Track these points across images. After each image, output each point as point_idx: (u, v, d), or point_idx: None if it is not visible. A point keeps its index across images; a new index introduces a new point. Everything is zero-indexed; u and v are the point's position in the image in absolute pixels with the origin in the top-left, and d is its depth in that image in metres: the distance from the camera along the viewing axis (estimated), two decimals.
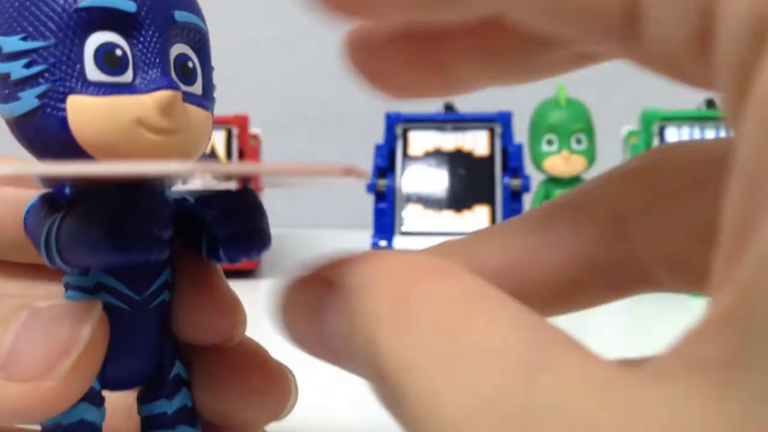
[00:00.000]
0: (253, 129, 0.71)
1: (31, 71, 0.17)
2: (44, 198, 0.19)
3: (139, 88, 0.17)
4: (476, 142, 0.67)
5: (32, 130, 0.17)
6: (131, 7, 0.17)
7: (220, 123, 0.68)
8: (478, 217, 0.64)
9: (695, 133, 0.63)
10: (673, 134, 0.63)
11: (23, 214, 0.19)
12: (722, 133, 0.62)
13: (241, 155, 0.67)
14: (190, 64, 0.19)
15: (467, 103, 0.81)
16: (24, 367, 0.17)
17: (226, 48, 0.99)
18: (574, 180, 0.62)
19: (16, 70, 0.17)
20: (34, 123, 0.17)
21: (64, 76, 0.17)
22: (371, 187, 0.65)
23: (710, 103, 0.64)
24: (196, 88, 0.19)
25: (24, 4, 0.17)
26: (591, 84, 0.96)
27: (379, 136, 0.68)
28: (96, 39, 0.17)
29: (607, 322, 0.54)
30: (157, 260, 0.18)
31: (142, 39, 0.18)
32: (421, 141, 0.68)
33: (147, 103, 0.17)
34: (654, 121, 0.63)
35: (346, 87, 0.77)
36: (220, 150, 0.67)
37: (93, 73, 0.17)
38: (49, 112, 0.17)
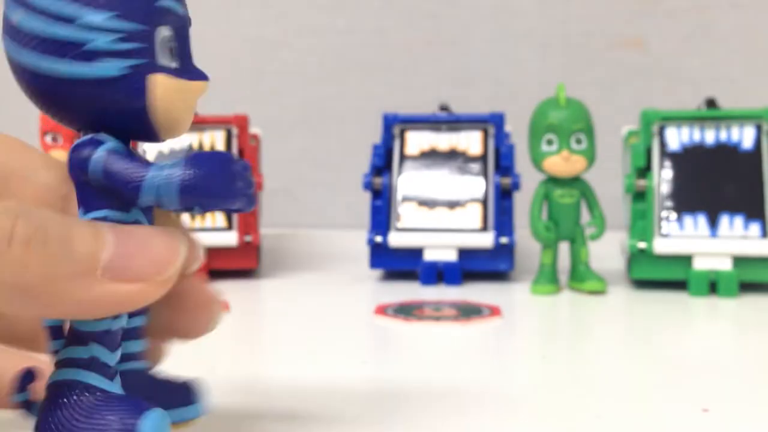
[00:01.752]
0: (253, 129, 0.71)
1: (124, 46, 0.22)
2: (120, 148, 0.23)
3: (190, 75, 0.23)
4: (470, 142, 0.68)
5: (106, 92, 0.22)
6: (185, 12, 0.24)
7: (220, 123, 0.68)
8: (470, 214, 0.65)
9: (695, 134, 0.63)
10: (673, 134, 0.63)
11: (90, 165, 0.22)
12: (722, 133, 0.62)
13: (241, 155, 0.68)
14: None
15: (465, 104, 0.81)
16: (129, 272, 0.21)
17: (226, 48, 1.00)
18: (574, 180, 0.62)
19: (105, 41, 0.21)
20: (111, 87, 0.22)
21: (149, 56, 0.22)
22: (368, 185, 0.66)
23: (710, 103, 0.64)
24: None
25: None
26: (591, 84, 0.97)
27: (376, 136, 0.69)
28: (162, 32, 0.22)
29: (607, 322, 0.54)
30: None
31: (178, 36, 0.23)
32: (417, 141, 0.68)
33: (204, 87, 0.23)
34: (654, 121, 0.63)
35: (345, 88, 0.77)
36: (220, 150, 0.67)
37: (164, 58, 0.22)
38: (132, 82, 0.22)
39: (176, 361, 0.45)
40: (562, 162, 0.60)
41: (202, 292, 0.27)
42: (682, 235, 0.60)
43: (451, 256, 0.64)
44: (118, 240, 0.21)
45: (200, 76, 0.23)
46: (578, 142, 0.60)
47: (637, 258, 0.61)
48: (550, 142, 0.61)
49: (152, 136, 0.23)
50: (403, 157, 0.68)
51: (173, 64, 0.23)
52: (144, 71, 0.22)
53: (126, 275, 0.21)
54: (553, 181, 0.62)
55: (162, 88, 0.22)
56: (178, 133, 0.23)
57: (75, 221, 0.21)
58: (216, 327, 0.27)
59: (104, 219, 0.23)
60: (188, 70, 0.23)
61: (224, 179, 0.21)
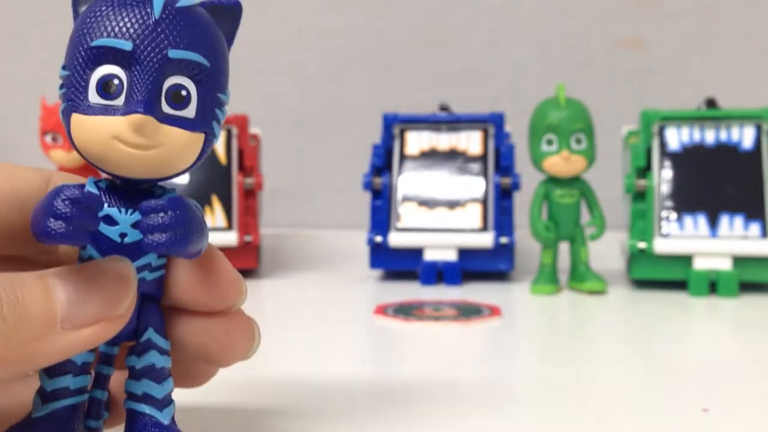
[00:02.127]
0: (253, 129, 0.71)
1: (61, 92, 0.23)
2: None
3: (122, 110, 0.22)
4: (470, 142, 0.68)
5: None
6: (127, 46, 0.22)
7: None
8: (470, 214, 0.65)
9: (695, 134, 0.63)
10: (672, 134, 0.63)
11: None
12: (722, 133, 0.62)
13: (241, 155, 0.68)
14: (183, 93, 0.23)
15: (465, 104, 0.81)
16: (85, 316, 0.22)
17: None
18: (574, 180, 0.62)
19: (59, 90, 0.24)
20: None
21: (74, 98, 0.23)
22: (368, 186, 0.66)
23: (710, 103, 0.64)
24: (188, 112, 0.23)
25: (70, 42, 0.23)
26: (591, 84, 0.97)
27: (376, 136, 0.69)
28: (101, 71, 0.23)
29: (606, 322, 0.54)
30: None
31: (136, 72, 0.23)
32: (417, 141, 0.68)
33: (122, 122, 0.22)
34: (654, 121, 0.63)
35: (345, 88, 0.77)
36: (220, 150, 0.67)
37: (94, 97, 0.23)
38: (66, 124, 0.23)
39: None
40: (562, 162, 0.60)
41: (241, 322, 0.27)
42: (682, 235, 0.60)
43: (451, 256, 0.64)
44: (68, 288, 0.22)
45: (130, 110, 0.22)
46: (578, 142, 0.60)
47: (637, 258, 0.61)
48: (550, 142, 0.61)
49: (110, 173, 0.24)
50: (403, 157, 0.68)
51: (108, 101, 0.22)
52: (67, 113, 0.23)
53: (83, 321, 0.22)
54: (553, 181, 0.62)
55: (76, 127, 0.23)
56: (125, 170, 0.23)
57: (21, 279, 0.22)
58: (253, 354, 0.28)
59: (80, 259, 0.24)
60: (128, 104, 0.22)
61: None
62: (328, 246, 0.79)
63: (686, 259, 0.60)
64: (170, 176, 0.24)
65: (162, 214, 0.23)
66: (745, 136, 0.62)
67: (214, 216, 0.66)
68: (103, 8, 0.23)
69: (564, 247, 0.64)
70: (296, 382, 0.41)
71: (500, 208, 0.65)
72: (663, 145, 0.63)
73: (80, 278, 0.22)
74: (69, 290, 0.22)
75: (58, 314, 0.21)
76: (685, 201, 0.61)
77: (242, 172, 0.67)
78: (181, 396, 0.36)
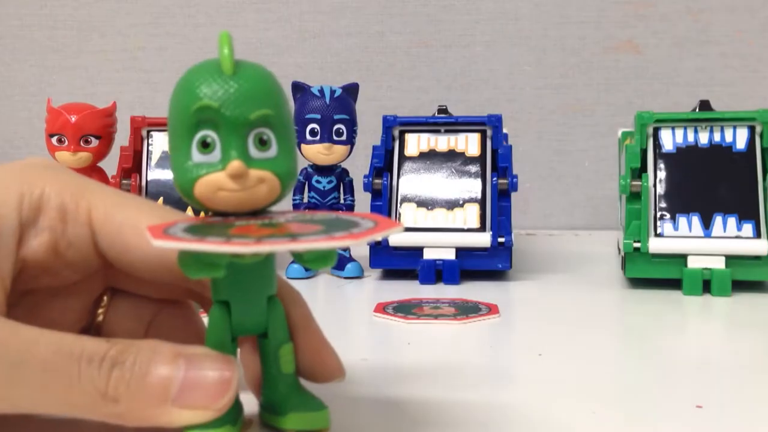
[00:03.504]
0: None
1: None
2: None
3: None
4: (468, 144, 0.68)
5: None
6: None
7: None
8: (468, 215, 0.66)
9: (689, 135, 0.63)
10: (667, 135, 0.64)
11: None
12: (716, 135, 0.63)
13: None
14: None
15: (463, 106, 0.81)
16: (193, 400, 0.27)
17: None
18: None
19: None
20: None
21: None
22: (368, 186, 0.67)
23: (704, 105, 0.64)
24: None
25: None
26: (587, 86, 0.97)
27: (376, 138, 0.69)
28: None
29: (602, 320, 0.54)
30: None
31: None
32: (416, 142, 0.69)
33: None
34: (649, 123, 0.64)
35: None
36: None
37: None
38: None
39: None
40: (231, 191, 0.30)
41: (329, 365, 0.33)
42: (676, 235, 0.61)
43: (450, 256, 0.65)
44: (187, 372, 0.27)
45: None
46: (262, 144, 0.29)
47: (632, 257, 0.61)
48: (206, 146, 0.29)
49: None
50: (402, 159, 0.69)
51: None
52: None
53: (190, 404, 0.27)
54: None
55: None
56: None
57: (157, 351, 0.28)
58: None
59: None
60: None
61: None
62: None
63: (680, 259, 0.60)
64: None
65: None
66: (738, 138, 0.63)
67: None
68: None
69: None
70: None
71: (498, 209, 0.66)
72: (658, 146, 0.64)
73: (195, 365, 0.27)
74: (186, 375, 0.27)
75: (171, 392, 0.26)
76: (679, 201, 0.62)
77: None
78: None
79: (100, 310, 0.33)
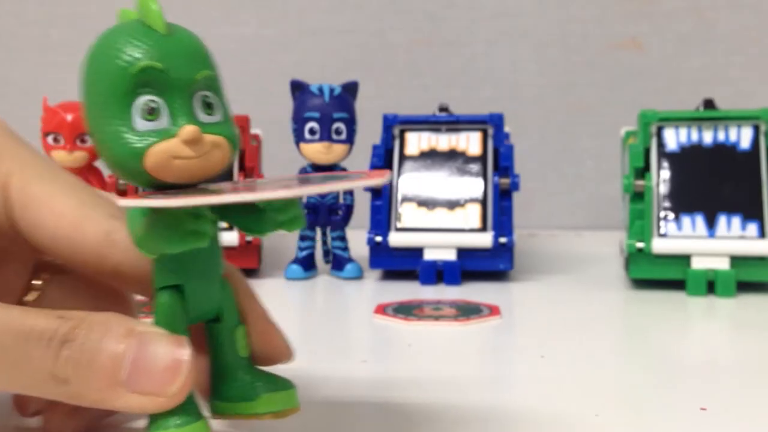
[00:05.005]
0: (254, 130, 0.71)
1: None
2: None
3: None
4: (469, 143, 0.68)
5: None
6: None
7: None
8: (469, 215, 0.65)
9: (693, 134, 0.63)
10: (671, 135, 0.63)
11: None
12: (720, 134, 0.62)
13: (242, 155, 0.68)
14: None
15: (464, 105, 0.81)
16: (144, 384, 0.25)
17: (227, 49, 0.99)
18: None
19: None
20: None
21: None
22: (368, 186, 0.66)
23: (708, 104, 0.64)
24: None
25: None
26: (590, 85, 0.97)
27: (376, 137, 0.69)
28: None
29: (605, 321, 0.54)
30: None
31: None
32: (416, 141, 0.69)
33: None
34: (652, 122, 0.63)
35: None
36: None
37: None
38: None
39: None
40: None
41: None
42: (680, 235, 0.61)
43: (451, 256, 0.65)
44: (137, 353, 0.25)
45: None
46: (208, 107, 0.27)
47: (635, 258, 0.61)
48: (152, 113, 0.26)
49: None
50: (402, 158, 0.69)
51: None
52: None
53: (141, 389, 0.25)
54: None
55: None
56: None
57: (108, 326, 0.25)
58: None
59: None
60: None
61: None
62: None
63: (684, 259, 0.60)
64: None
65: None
66: (742, 137, 0.62)
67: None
68: None
69: None
70: (296, 380, 0.41)
71: (499, 208, 0.65)
72: (661, 145, 0.63)
73: (146, 344, 0.25)
74: (137, 355, 0.25)
75: (121, 374, 0.25)
76: (683, 201, 0.62)
77: (243, 173, 0.67)
78: None
79: (38, 282, 0.31)
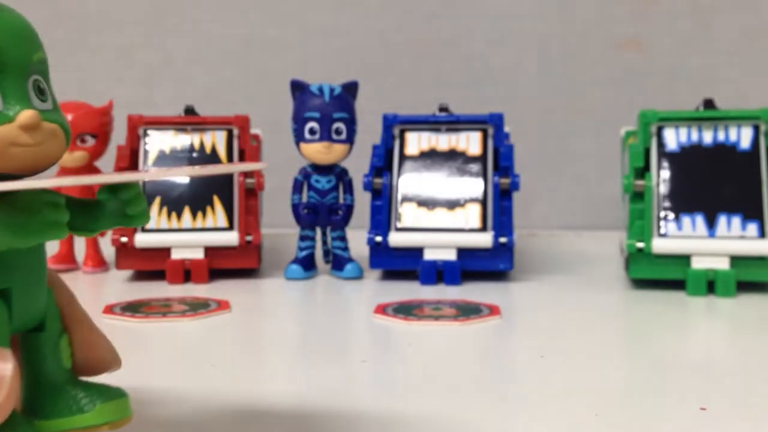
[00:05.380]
0: (254, 129, 0.71)
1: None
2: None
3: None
4: (469, 143, 0.68)
5: None
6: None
7: (221, 123, 0.69)
8: (469, 215, 0.65)
9: (693, 134, 0.63)
10: (671, 135, 0.63)
11: None
12: (720, 134, 0.62)
13: (242, 155, 0.68)
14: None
15: (464, 105, 0.81)
16: None
17: (228, 49, 1.00)
18: None
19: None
20: None
21: None
22: (368, 186, 0.66)
23: (708, 104, 0.64)
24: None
25: None
26: (590, 85, 0.97)
27: (376, 137, 0.69)
28: None
29: (605, 321, 0.54)
30: None
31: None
32: (416, 141, 0.69)
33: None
34: (652, 122, 0.63)
35: None
36: (222, 150, 0.68)
37: None
38: None
39: (180, 359, 0.45)
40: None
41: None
42: (680, 235, 0.61)
43: (451, 256, 0.64)
44: None
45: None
46: (41, 93, 0.26)
47: (635, 258, 0.61)
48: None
49: None
50: (402, 158, 0.69)
51: None
52: None
53: None
54: None
55: None
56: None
57: None
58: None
59: None
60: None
61: None
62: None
63: (684, 259, 0.60)
64: None
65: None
66: (742, 137, 0.62)
67: (216, 216, 0.66)
68: None
69: None
70: (296, 380, 0.41)
71: (499, 208, 0.65)
72: (661, 145, 0.63)
73: None
74: None
75: None
76: (683, 201, 0.62)
77: (243, 172, 0.67)
78: (180, 393, 0.37)
79: None
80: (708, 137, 0.63)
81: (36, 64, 0.24)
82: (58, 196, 0.24)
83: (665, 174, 0.62)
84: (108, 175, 0.23)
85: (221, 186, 0.67)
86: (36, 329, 0.26)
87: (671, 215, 0.61)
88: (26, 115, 0.23)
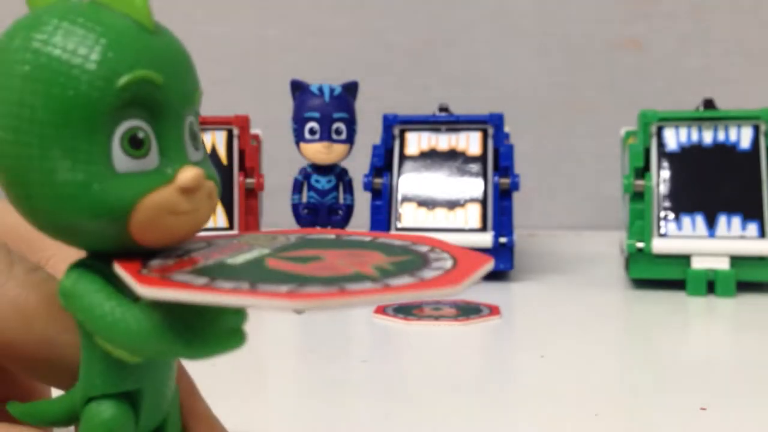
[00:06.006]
0: (254, 129, 0.71)
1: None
2: None
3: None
4: (469, 143, 0.68)
5: None
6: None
7: (221, 123, 0.69)
8: (469, 215, 0.65)
9: (693, 134, 0.63)
10: (671, 135, 0.63)
11: None
12: (720, 134, 0.62)
13: (242, 155, 0.68)
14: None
15: (464, 105, 0.81)
16: None
17: (228, 49, 0.99)
18: None
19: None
20: None
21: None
22: (368, 186, 0.66)
23: (708, 104, 0.64)
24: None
25: None
26: (590, 85, 0.97)
27: (376, 137, 0.69)
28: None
29: (605, 321, 0.54)
30: None
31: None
32: (416, 141, 0.69)
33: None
34: (652, 122, 0.63)
35: None
36: (221, 150, 0.68)
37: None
38: None
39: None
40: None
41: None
42: (680, 235, 0.61)
43: None
44: None
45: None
46: (194, 139, 0.21)
47: (635, 258, 0.61)
48: (138, 146, 0.19)
49: None
50: (402, 158, 0.69)
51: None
52: None
53: None
54: None
55: None
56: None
57: None
58: None
59: None
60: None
61: None
62: None
63: (684, 259, 0.60)
64: None
65: None
66: (742, 137, 0.62)
67: (215, 216, 0.66)
68: None
69: None
70: (296, 380, 0.41)
71: (499, 209, 0.65)
72: (661, 145, 0.63)
73: None
74: None
75: None
76: (683, 201, 0.62)
77: (243, 173, 0.67)
78: None
79: None
80: (708, 137, 0.63)
81: (197, 102, 0.19)
82: None
83: (665, 174, 0.62)
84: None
85: (221, 186, 0.67)
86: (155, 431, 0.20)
87: (671, 215, 0.61)
88: (189, 175, 0.18)
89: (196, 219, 0.18)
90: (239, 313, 0.17)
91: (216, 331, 0.17)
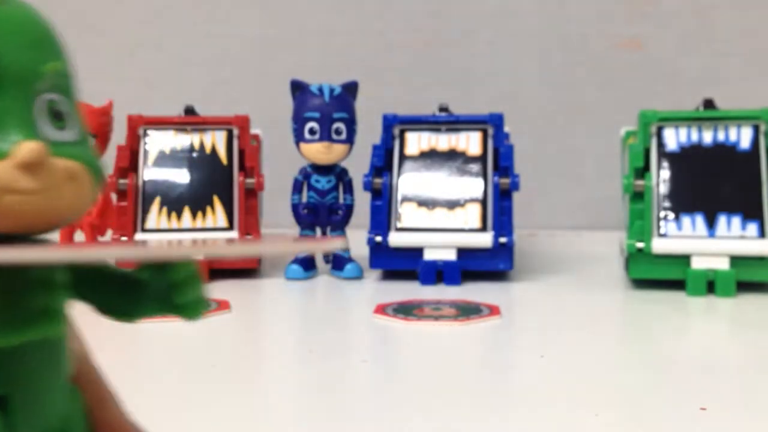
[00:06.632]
0: (254, 129, 0.71)
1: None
2: None
3: None
4: (469, 143, 0.68)
5: None
6: None
7: (221, 123, 0.69)
8: (469, 215, 0.65)
9: (693, 134, 0.63)
10: (670, 135, 0.63)
11: None
12: (720, 134, 0.62)
13: (242, 155, 0.68)
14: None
15: (464, 105, 0.81)
16: None
17: (228, 49, 0.99)
18: None
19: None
20: None
21: None
22: (368, 186, 0.66)
23: (708, 104, 0.64)
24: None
25: None
26: (590, 85, 0.97)
27: (376, 137, 0.69)
28: None
29: (605, 321, 0.54)
30: None
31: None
32: (416, 141, 0.69)
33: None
34: (652, 122, 0.63)
35: None
36: (222, 150, 0.68)
37: None
38: None
39: (180, 359, 0.45)
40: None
41: None
42: (680, 235, 0.61)
43: (451, 256, 0.64)
44: None
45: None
46: (57, 118, 0.20)
47: (635, 258, 0.61)
48: None
49: None
50: (402, 158, 0.69)
51: None
52: None
53: None
54: None
55: None
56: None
57: None
58: None
59: None
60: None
61: None
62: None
63: (684, 259, 0.60)
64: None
65: None
66: (742, 137, 0.62)
67: (215, 216, 0.66)
68: None
69: None
70: (297, 380, 0.41)
71: (499, 208, 0.65)
72: (661, 145, 0.63)
73: None
74: None
75: None
76: (683, 201, 0.62)
77: (243, 173, 0.67)
78: (180, 394, 0.37)
79: None
80: (708, 137, 0.63)
81: (51, 77, 0.18)
82: (54, 272, 0.18)
83: (665, 174, 0.62)
84: (132, 244, 0.16)
85: (221, 186, 0.67)
86: None
87: (671, 215, 0.61)
88: (27, 148, 0.17)
89: (47, 201, 0.17)
90: (52, 293, 0.17)
91: (23, 311, 0.17)
